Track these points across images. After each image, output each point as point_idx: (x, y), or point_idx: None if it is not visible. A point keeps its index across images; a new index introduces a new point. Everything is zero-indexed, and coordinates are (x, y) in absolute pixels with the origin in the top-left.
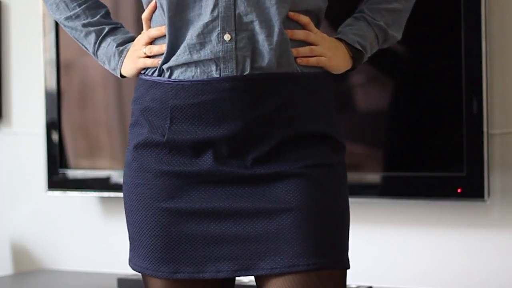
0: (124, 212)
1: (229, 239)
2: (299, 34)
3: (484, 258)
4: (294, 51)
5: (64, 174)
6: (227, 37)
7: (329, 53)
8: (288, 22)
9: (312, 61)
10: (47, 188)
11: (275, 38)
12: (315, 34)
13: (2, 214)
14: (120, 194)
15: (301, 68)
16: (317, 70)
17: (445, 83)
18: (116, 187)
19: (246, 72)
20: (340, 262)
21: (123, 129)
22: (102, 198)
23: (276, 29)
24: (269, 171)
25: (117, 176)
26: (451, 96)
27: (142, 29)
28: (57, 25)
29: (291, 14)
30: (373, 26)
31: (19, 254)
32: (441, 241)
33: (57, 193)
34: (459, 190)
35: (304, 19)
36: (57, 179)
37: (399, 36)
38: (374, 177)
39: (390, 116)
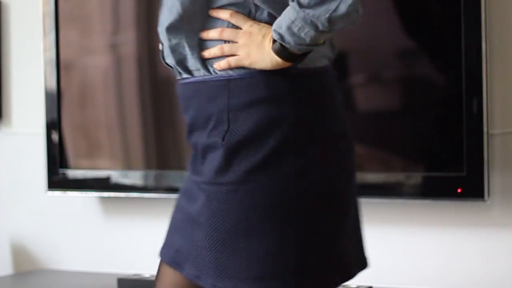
0: (123, 212)
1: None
2: (212, 33)
3: (484, 258)
4: (206, 53)
5: (64, 174)
6: (160, 46)
7: (243, 49)
8: (212, 22)
9: (222, 64)
10: (47, 188)
11: (166, 45)
12: (232, 30)
13: (2, 214)
14: (120, 194)
15: (216, 71)
16: (236, 71)
17: (445, 83)
18: (116, 187)
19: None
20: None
21: (123, 129)
22: (102, 198)
23: (162, 36)
24: (193, 179)
25: (117, 176)
26: (451, 96)
27: (141, 29)
28: (57, 25)
29: (211, 11)
30: (294, 7)
31: (19, 254)
32: (441, 241)
33: (57, 193)
34: (459, 190)
35: (223, 15)
36: (57, 179)
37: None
38: (374, 177)
39: (390, 116)
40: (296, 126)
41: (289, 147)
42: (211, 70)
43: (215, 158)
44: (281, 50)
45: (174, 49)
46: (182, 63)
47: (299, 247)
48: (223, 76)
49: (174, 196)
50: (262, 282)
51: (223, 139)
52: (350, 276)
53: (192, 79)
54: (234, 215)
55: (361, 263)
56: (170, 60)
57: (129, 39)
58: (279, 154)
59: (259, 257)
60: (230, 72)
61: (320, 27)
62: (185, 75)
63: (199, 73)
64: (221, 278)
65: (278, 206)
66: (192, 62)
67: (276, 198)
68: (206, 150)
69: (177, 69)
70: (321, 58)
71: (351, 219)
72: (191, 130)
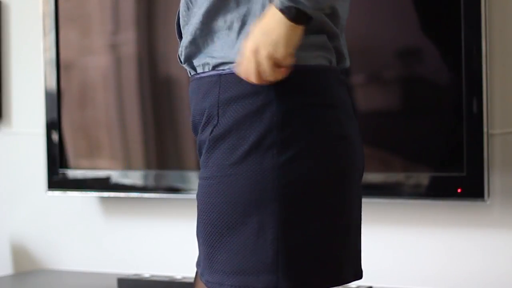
0: (123, 212)
1: None
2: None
3: (484, 258)
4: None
5: (64, 174)
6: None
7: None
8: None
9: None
10: (47, 188)
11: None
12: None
13: (2, 214)
14: (120, 194)
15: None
16: (226, 66)
17: (445, 83)
18: (116, 187)
19: None
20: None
21: (123, 129)
22: (102, 198)
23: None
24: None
25: (117, 176)
26: (451, 96)
27: (142, 29)
28: (57, 25)
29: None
30: None
31: (19, 254)
32: (441, 241)
33: (57, 193)
34: (459, 190)
35: None
36: (57, 179)
37: None
38: (374, 177)
39: (390, 116)
40: (279, 122)
41: (270, 142)
42: (208, 66)
43: (205, 152)
44: (294, 12)
45: (187, 46)
46: (189, 59)
47: (277, 243)
48: (216, 71)
49: (174, 196)
50: (242, 276)
51: (210, 134)
52: (342, 281)
53: (195, 76)
54: (217, 209)
55: (356, 273)
56: (182, 57)
57: (129, 39)
58: (260, 148)
59: (238, 251)
60: (222, 68)
61: None
62: (192, 72)
63: (200, 69)
64: (211, 272)
65: (255, 201)
66: (199, 57)
67: (254, 193)
68: (201, 145)
69: (187, 67)
70: (314, 58)
71: (350, 224)
72: (194, 127)
